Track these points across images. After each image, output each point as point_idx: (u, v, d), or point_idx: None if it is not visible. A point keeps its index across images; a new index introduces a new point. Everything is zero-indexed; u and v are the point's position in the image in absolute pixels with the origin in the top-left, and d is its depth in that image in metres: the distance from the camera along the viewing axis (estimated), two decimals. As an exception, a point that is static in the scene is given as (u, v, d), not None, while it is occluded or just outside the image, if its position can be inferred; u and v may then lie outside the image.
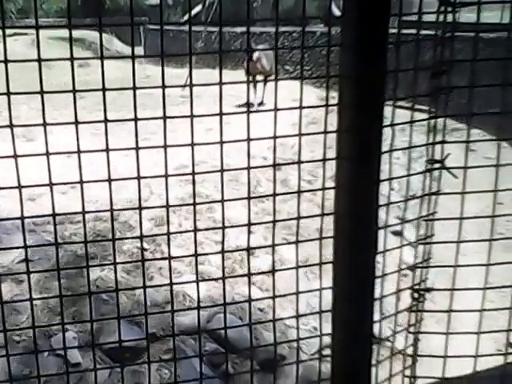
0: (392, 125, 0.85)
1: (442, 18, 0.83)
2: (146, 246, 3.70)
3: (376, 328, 1.01)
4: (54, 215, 1.11)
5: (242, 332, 2.87)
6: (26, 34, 10.26)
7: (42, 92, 0.90)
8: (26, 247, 1.14)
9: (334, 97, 0.85)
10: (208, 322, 3.12)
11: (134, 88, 0.82)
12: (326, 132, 0.84)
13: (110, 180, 1.00)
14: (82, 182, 1.02)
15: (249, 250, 1.00)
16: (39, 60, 0.87)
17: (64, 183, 1.05)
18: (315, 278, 3.36)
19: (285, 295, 1.07)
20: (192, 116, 0.82)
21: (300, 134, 0.86)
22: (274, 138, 0.85)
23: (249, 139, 0.85)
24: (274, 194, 0.91)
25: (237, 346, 2.85)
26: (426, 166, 0.89)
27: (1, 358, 1.10)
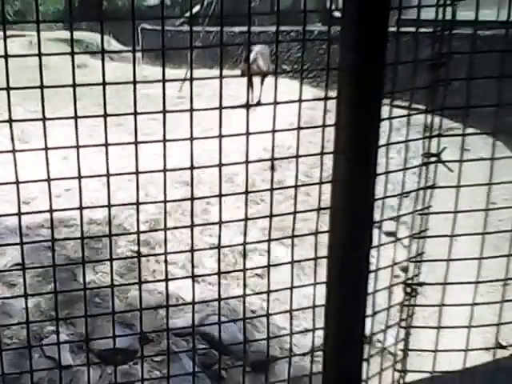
0: (390, 118, 0.87)
1: (441, 11, 0.85)
2: (140, 249, 3.69)
3: (368, 323, 1.02)
4: (51, 211, 1.11)
5: (235, 334, 2.87)
6: (23, 35, 10.28)
7: (42, 87, 0.91)
8: (21, 244, 1.13)
9: (332, 96, 0.86)
10: (201, 323, 3.12)
11: (135, 82, 0.83)
12: (324, 126, 0.85)
13: (108, 175, 1.00)
14: (80, 178, 1.02)
15: (245, 244, 1.01)
16: (39, 55, 0.88)
17: (63, 178, 1.05)
18: (308, 281, 3.36)
19: (278, 290, 1.08)
20: (192, 110, 0.83)
21: (299, 128, 0.87)
22: (273, 131, 0.86)
23: (248, 133, 0.87)
24: (272, 189, 0.92)
25: (229, 347, 2.85)
26: (422, 160, 0.91)
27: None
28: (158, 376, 2.85)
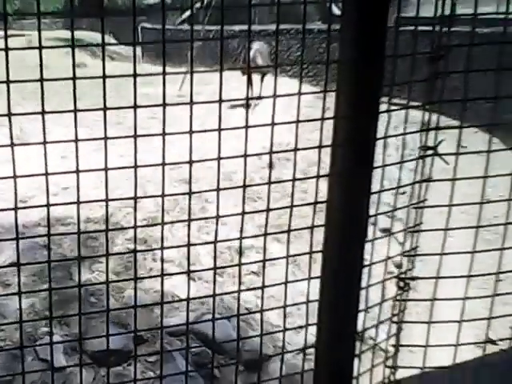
0: (388, 111, 0.88)
1: (440, 5, 0.86)
2: (137, 247, 3.68)
3: (360, 319, 1.02)
4: (47, 206, 1.11)
5: (228, 333, 2.87)
6: (22, 35, 10.27)
7: (41, 80, 0.91)
8: (17, 239, 1.13)
9: (331, 89, 0.87)
10: (195, 322, 3.12)
11: (135, 75, 0.84)
12: (322, 119, 0.86)
13: (106, 169, 1.01)
14: (78, 172, 1.02)
15: (241, 239, 1.02)
16: (40, 48, 0.88)
17: (60, 173, 1.05)
18: (303, 276, 3.37)
19: (272, 285, 1.09)
20: (191, 103, 0.84)
21: (297, 121, 0.88)
22: (272, 124, 0.87)
23: (246, 126, 0.88)
24: (269, 183, 0.93)
25: (223, 346, 2.85)
26: (418, 153, 0.92)
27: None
28: (152, 376, 2.85)
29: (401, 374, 1.19)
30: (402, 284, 1.04)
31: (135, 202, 1.07)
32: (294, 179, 0.95)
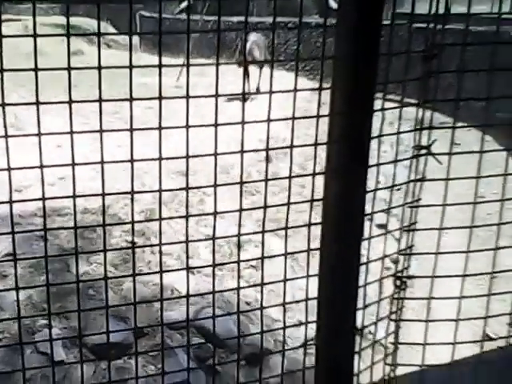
0: (383, 109, 0.87)
1: (434, 5, 0.85)
2: (135, 239, 3.68)
3: (359, 316, 1.02)
4: (43, 199, 1.09)
5: (229, 327, 2.88)
6: (19, 20, 10.19)
7: (36, 69, 0.90)
8: (13, 233, 1.12)
9: (327, 87, 0.86)
10: (196, 316, 3.12)
11: (131, 67, 0.83)
12: (318, 116, 0.85)
13: (102, 162, 0.99)
14: (73, 165, 1.01)
15: (239, 236, 1.01)
16: (34, 36, 0.87)
17: (56, 165, 1.04)
18: (302, 272, 3.38)
19: (272, 283, 1.08)
20: (188, 97, 0.83)
21: (293, 118, 0.87)
22: (268, 120, 0.86)
23: (243, 122, 0.86)
24: (266, 179, 0.92)
25: (224, 340, 2.85)
26: (412, 152, 0.92)
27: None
28: (153, 370, 2.85)
29: (400, 370, 1.19)
30: (398, 283, 1.03)
31: (132, 196, 1.06)
32: (291, 176, 0.94)
